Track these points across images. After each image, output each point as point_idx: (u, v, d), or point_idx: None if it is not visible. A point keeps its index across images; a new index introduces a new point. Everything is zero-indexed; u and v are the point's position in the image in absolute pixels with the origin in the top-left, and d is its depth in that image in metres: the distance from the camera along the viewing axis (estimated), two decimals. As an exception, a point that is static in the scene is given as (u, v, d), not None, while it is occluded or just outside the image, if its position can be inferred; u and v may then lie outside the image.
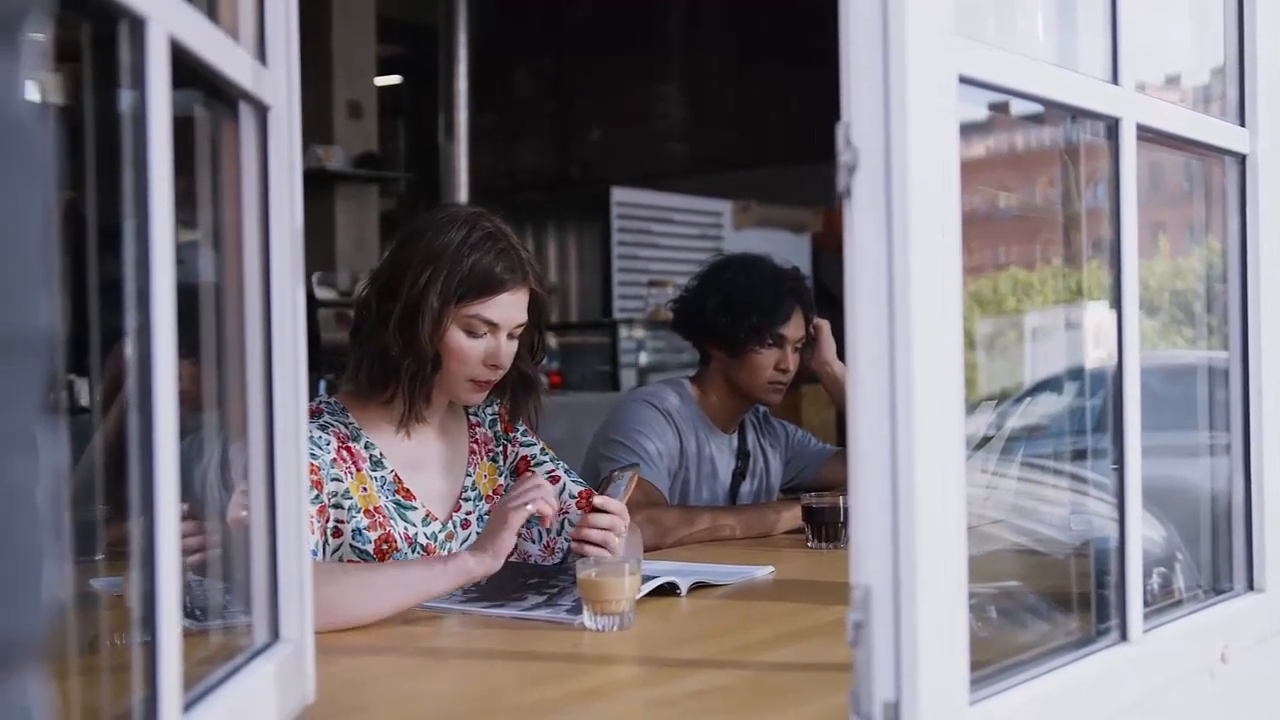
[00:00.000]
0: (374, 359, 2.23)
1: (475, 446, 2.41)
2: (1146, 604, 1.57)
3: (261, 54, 1.37)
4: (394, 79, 10.17)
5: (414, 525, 2.25)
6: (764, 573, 2.39)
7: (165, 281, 1.03)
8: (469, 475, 2.38)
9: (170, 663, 1.02)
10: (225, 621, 1.45)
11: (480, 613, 2.02)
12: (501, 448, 2.45)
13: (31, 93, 0.62)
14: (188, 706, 1.09)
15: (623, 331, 7.53)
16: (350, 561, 2.19)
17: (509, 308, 2.23)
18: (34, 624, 0.60)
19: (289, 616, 1.39)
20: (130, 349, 1.03)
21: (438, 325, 2.20)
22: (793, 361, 3.06)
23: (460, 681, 1.71)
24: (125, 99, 1.02)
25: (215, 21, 1.22)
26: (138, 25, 1.00)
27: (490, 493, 2.40)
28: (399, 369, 2.21)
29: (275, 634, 1.38)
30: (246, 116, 1.35)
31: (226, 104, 1.33)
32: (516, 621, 1.98)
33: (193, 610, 1.36)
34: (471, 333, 2.22)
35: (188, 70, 1.13)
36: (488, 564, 2.01)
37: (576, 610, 1.94)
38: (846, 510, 2.68)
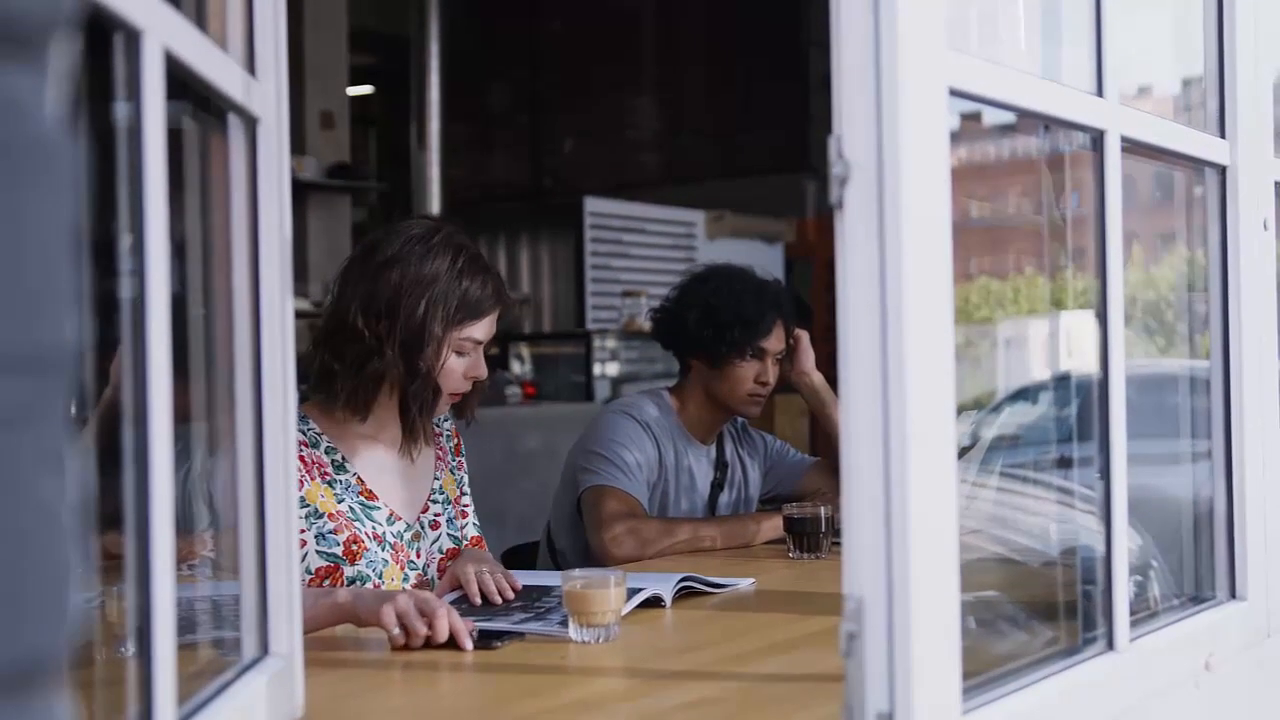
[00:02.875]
0: (370, 383, 2.27)
1: (440, 453, 2.49)
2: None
3: (251, 66, 1.36)
4: (366, 89, 10.15)
5: (380, 524, 2.30)
6: (747, 584, 2.39)
7: (160, 293, 1.02)
8: (436, 479, 2.45)
9: (165, 677, 1.01)
10: (213, 635, 1.45)
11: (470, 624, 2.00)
12: (456, 462, 2.54)
13: (56, 108, 0.61)
14: (181, 722, 1.09)
15: (596, 342, 7.49)
16: (318, 569, 2.22)
17: (491, 325, 2.35)
18: (60, 641, 0.60)
19: (278, 631, 1.38)
20: (124, 361, 1.02)
21: (439, 353, 2.28)
22: (773, 374, 3.06)
23: (448, 695, 1.70)
24: (120, 110, 1.02)
25: (205, 32, 1.22)
26: (133, 37, 1.00)
27: (454, 499, 2.48)
28: (402, 394, 2.28)
29: (265, 648, 1.37)
30: (235, 128, 1.35)
31: (215, 116, 1.32)
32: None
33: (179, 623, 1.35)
34: (461, 353, 2.31)
35: (178, 81, 1.12)
36: (360, 614, 1.95)
37: (567, 625, 1.93)
38: (828, 520, 2.70)
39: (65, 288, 0.61)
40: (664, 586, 2.18)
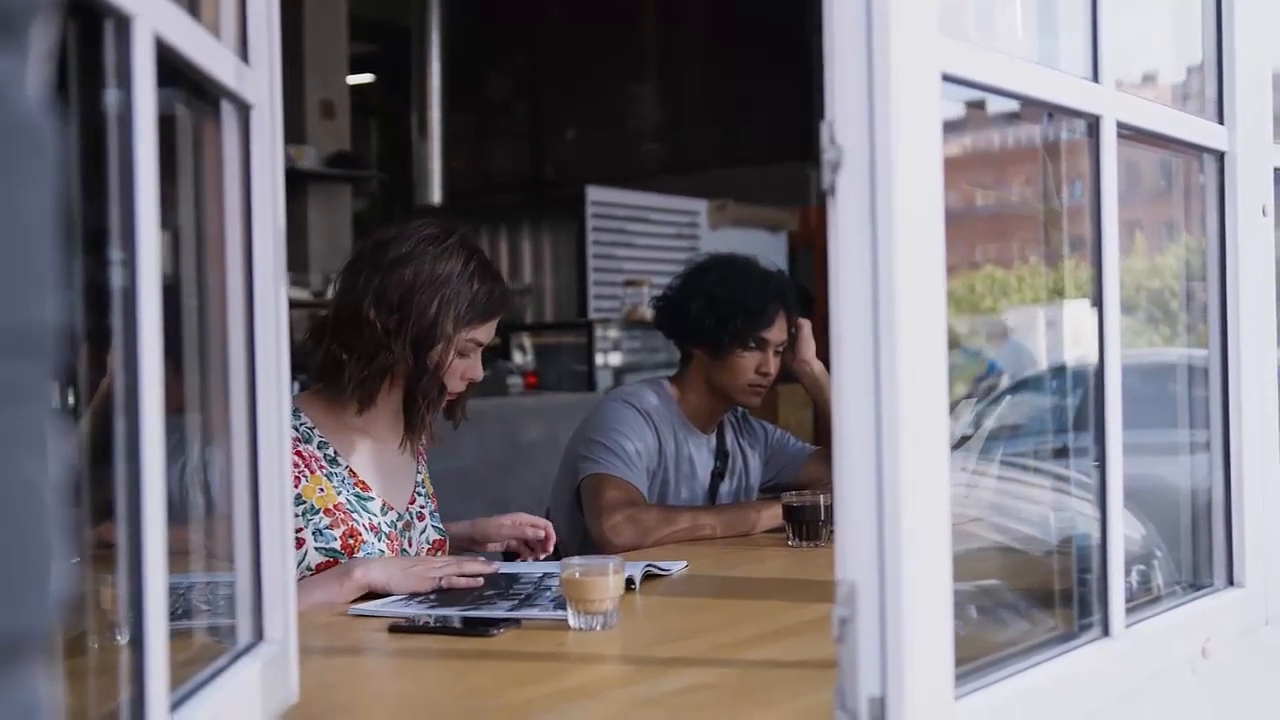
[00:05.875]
0: (377, 376, 2.31)
1: (420, 450, 2.53)
2: (1126, 600, 1.58)
3: (244, 52, 1.36)
4: (366, 77, 10.15)
5: (375, 515, 2.34)
6: (680, 567, 2.41)
7: (151, 282, 1.02)
8: (419, 473, 2.50)
9: (157, 663, 1.02)
10: (208, 621, 1.45)
11: (462, 615, 2.00)
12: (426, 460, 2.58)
13: (38, 91, 0.62)
14: (174, 706, 1.09)
15: (599, 331, 7.49)
16: (318, 565, 2.25)
17: (493, 329, 2.41)
18: (42, 620, 0.61)
19: (273, 617, 1.38)
20: (114, 350, 1.02)
21: (448, 350, 2.32)
22: (774, 365, 3.06)
23: (444, 682, 1.70)
24: (110, 97, 1.02)
25: (197, 19, 1.22)
26: (123, 23, 0.99)
27: (432, 492, 2.53)
28: (408, 389, 2.33)
29: (259, 634, 1.38)
30: (229, 115, 1.35)
31: (208, 103, 1.32)
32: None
33: (174, 611, 1.35)
34: (463, 353, 2.36)
35: (170, 68, 1.12)
36: (379, 579, 2.15)
37: (560, 606, 1.93)
38: (827, 508, 2.70)
39: (48, 270, 0.61)
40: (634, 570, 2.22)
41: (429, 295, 2.29)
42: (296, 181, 7.33)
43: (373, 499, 2.35)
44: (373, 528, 2.31)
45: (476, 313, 2.34)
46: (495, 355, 7.11)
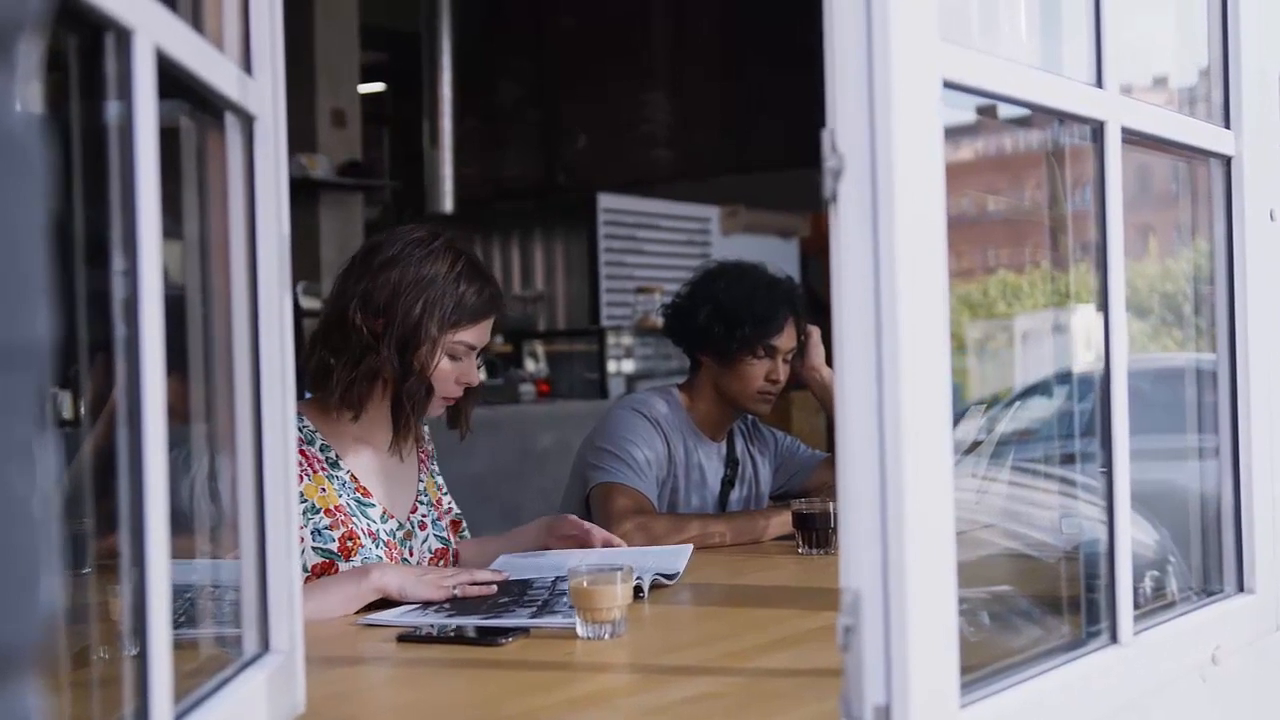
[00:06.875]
0: (365, 379, 2.31)
1: (424, 457, 2.54)
2: (1138, 607, 1.57)
3: (247, 64, 1.36)
4: (378, 86, 10.16)
5: (374, 522, 2.35)
6: (684, 556, 2.43)
7: (153, 293, 1.03)
8: (420, 481, 2.50)
9: (161, 673, 1.02)
10: (214, 631, 1.45)
11: (479, 625, 1.99)
12: (435, 467, 2.59)
13: (28, 104, 0.62)
14: (179, 718, 1.09)
15: (610, 339, 7.49)
16: (314, 566, 2.26)
17: (485, 332, 2.39)
18: (32, 633, 0.61)
19: (279, 627, 1.39)
20: (118, 361, 1.02)
21: (433, 352, 2.31)
22: (783, 372, 3.06)
23: (452, 692, 1.70)
24: (111, 109, 1.02)
25: (200, 31, 1.22)
26: (124, 36, 1.00)
27: (435, 500, 2.53)
28: (395, 392, 2.33)
29: (266, 645, 1.38)
30: (232, 127, 1.35)
31: (212, 114, 1.33)
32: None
33: (179, 620, 1.36)
34: (453, 356, 2.35)
35: (173, 81, 1.12)
36: (393, 584, 2.12)
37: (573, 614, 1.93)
38: (836, 516, 2.69)
39: (36, 283, 0.61)
40: (668, 561, 2.24)
41: (413, 296, 2.29)
42: (308, 191, 7.33)
43: (374, 505, 2.36)
44: (371, 534, 2.32)
45: (464, 314, 2.33)
46: (508, 363, 7.12)
